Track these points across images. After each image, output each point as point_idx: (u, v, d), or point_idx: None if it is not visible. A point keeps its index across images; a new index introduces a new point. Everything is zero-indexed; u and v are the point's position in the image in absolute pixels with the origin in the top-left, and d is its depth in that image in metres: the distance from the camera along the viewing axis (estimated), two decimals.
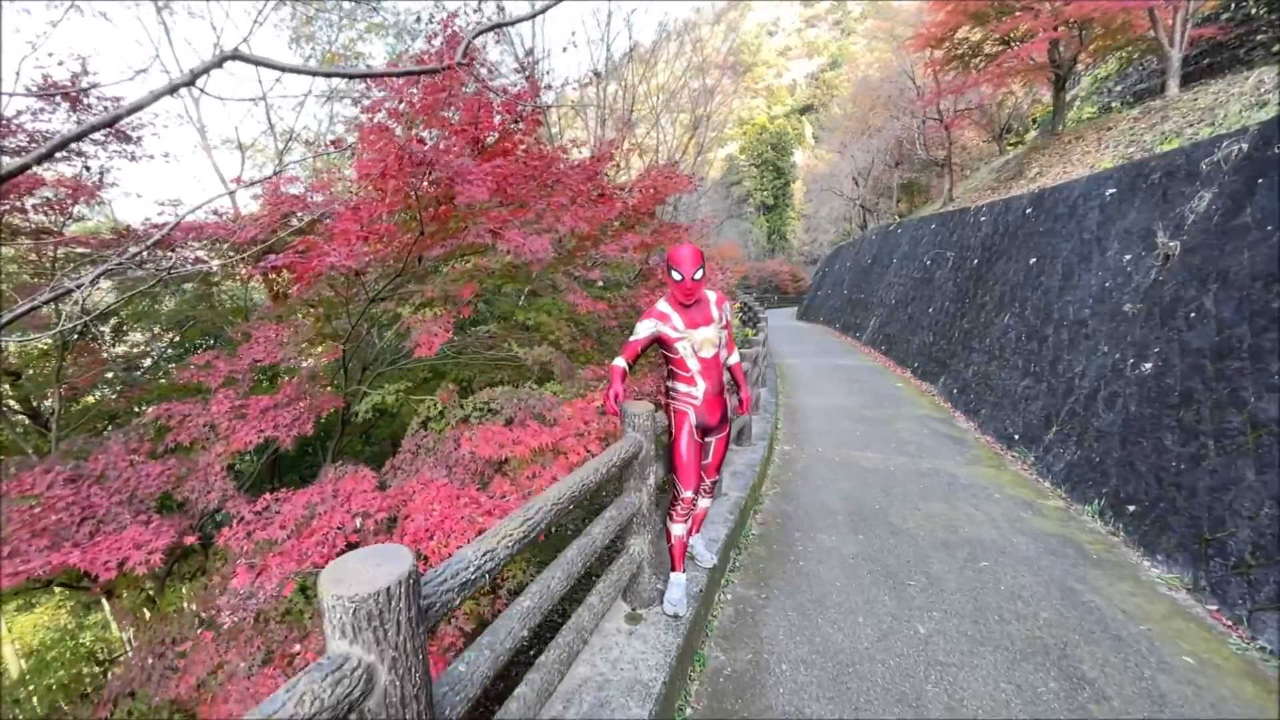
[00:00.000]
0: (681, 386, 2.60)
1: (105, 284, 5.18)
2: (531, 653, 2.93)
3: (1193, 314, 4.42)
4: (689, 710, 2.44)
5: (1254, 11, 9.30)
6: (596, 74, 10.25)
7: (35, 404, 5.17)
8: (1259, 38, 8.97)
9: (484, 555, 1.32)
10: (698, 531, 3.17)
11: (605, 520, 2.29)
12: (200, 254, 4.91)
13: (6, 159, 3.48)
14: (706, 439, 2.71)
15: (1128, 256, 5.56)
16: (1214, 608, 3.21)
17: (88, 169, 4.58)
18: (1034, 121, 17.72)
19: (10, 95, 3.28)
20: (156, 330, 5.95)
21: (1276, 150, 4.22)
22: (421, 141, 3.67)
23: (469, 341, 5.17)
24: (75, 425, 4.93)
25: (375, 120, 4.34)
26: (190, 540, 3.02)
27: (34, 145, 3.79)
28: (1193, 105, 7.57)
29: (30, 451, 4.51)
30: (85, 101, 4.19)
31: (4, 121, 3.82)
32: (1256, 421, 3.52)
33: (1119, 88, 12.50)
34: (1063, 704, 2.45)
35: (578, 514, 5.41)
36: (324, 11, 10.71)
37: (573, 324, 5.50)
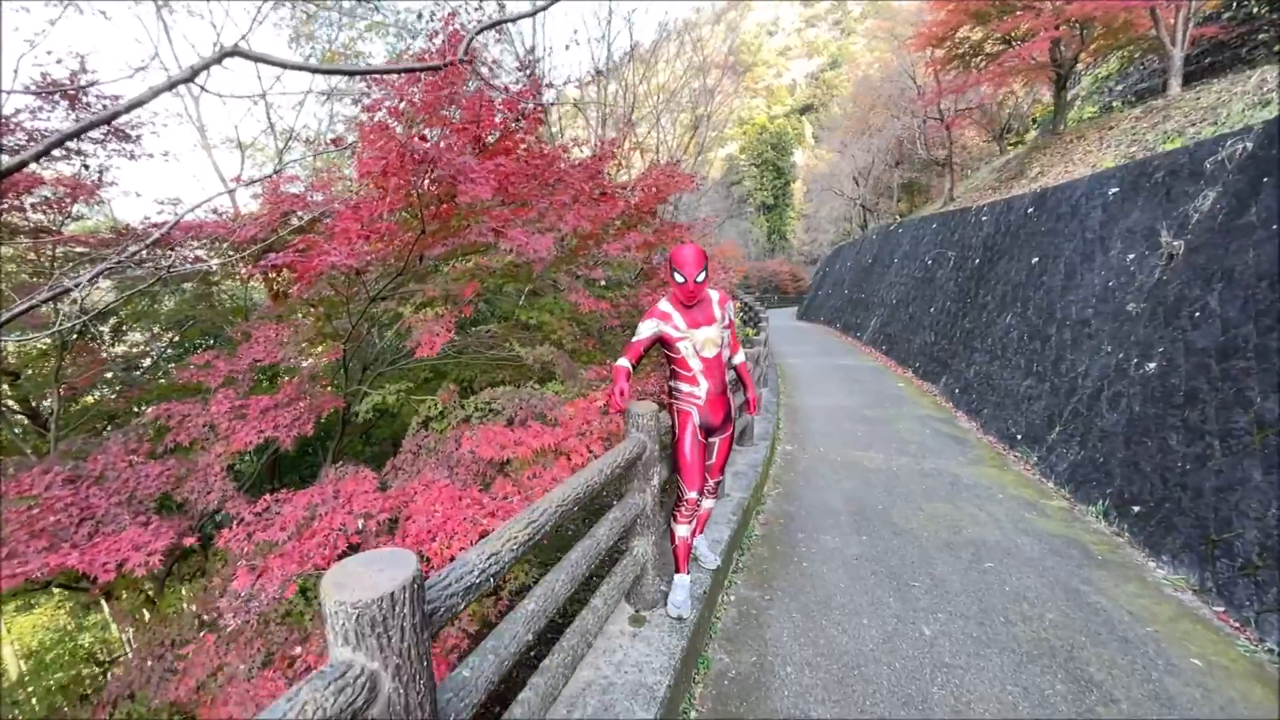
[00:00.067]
0: (684, 386, 2.58)
1: (105, 283, 5.16)
2: (533, 654, 2.91)
3: (1197, 313, 4.39)
4: (693, 713, 2.42)
5: (1255, 10, 9.28)
6: (599, 72, 10.22)
7: (34, 404, 5.14)
8: (1260, 36, 8.95)
9: (489, 559, 1.30)
10: (701, 533, 3.15)
11: (609, 522, 2.27)
12: (200, 253, 4.89)
13: (5, 157, 3.45)
14: (710, 439, 2.69)
15: (1131, 256, 5.54)
16: (1221, 609, 3.19)
17: (86, 168, 4.55)
18: (1034, 121, 17.70)
19: (9, 93, 3.26)
20: (156, 330, 5.92)
21: None
22: (423, 139, 3.64)
23: (470, 341, 5.15)
24: (74, 425, 4.91)
25: (376, 119, 4.32)
26: (189, 542, 3.00)
27: (32, 144, 3.76)
28: (1195, 104, 7.55)
29: (29, 452, 4.49)
30: (84, 100, 4.16)
31: (2, 120, 3.79)
32: (1263, 421, 3.50)
33: (1120, 87, 12.48)
34: (1070, 706, 2.43)
35: (578, 515, 5.38)
36: (325, 8, 10.69)
37: (575, 323, 5.48)
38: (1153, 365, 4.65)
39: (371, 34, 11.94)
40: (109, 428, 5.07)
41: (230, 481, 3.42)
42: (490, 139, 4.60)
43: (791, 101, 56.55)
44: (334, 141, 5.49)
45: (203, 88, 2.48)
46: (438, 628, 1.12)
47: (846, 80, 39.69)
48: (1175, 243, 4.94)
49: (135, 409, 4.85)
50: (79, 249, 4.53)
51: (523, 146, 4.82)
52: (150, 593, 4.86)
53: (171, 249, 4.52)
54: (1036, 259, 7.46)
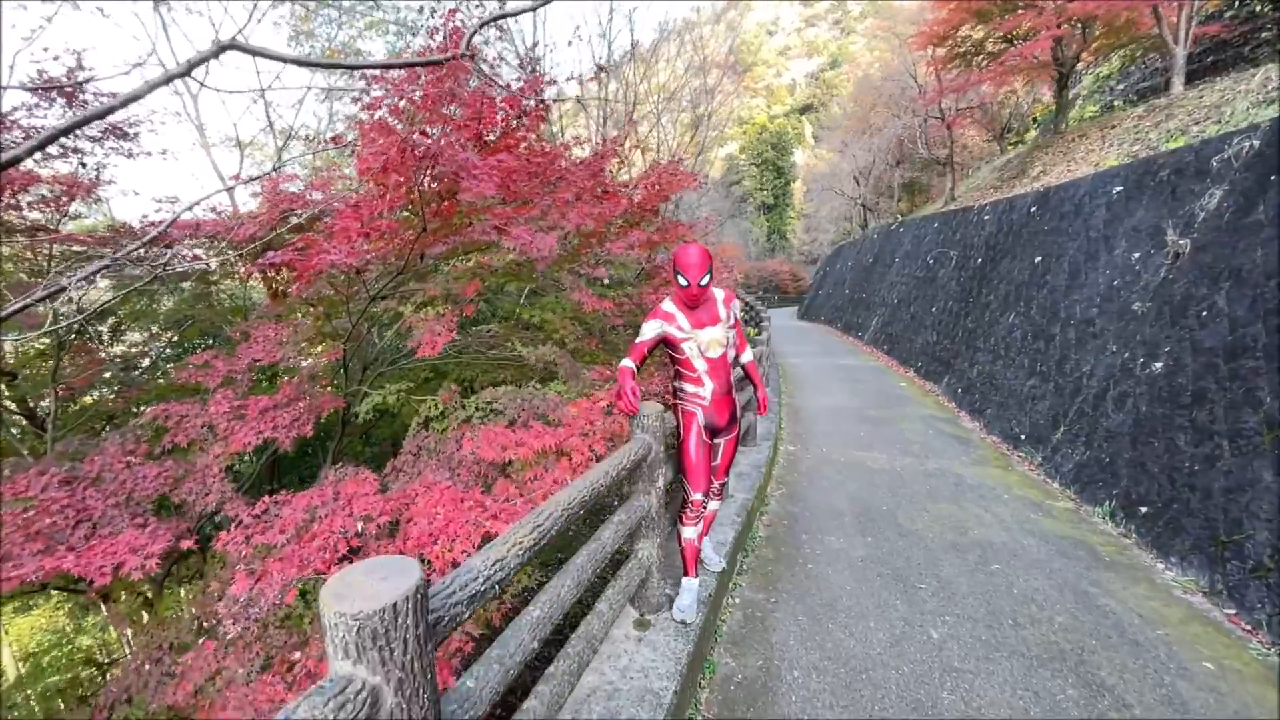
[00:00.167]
0: (689, 387, 2.54)
1: (103, 283, 5.11)
2: (536, 657, 2.87)
3: (1205, 312, 4.36)
4: (700, 719, 2.38)
5: (1258, 9, 9.25)
6: (602, 68, 10.17)
7: (32, 405, 5.10)
8: (1263, 35, 8.92)
9: (494, 565, 1.26)
10: (706, 534, 3.11)
11: (615, 524, 2.23)
12: (198, 252, 4.84)
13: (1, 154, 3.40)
14: (715, 440, 2.65)
15: (1136, 255, 5.50)
16: (1232, 612, 3.15)
17: (84, 165, 4.51)
18: (1034, 121, 17.67)
19: (5, 88, 3.21)
20: (154, 330, 5.88)
21: None
22: (425, 134, 3.60)
23: (471, 341, 5.10)
24: (72, 426, 4.86)
25: (376, 117, 4.27)
26: (187, 545, 2.96)
27: (29, 141, 3.71)
28: (1198, 103, 7.51)
29: (26, 453, 4.44)
30: (81, 97, 4.11)
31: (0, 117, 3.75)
32: (1273, 421, 3.47)
33: (1121, 86, 12.44)
34: (1083, 712, 2.40)
35: (580, 516, 5.34)
36: (326, 4, 10.64)
37: (577, 322, 5.44)
38: (1159, 365, 4.62)
39: (371, 32, 11.91)
40: (107, 428, 5.02)
41: (229, 483, 3.38)
42: (491, 137, 4.56)
43: (791, 101, 56.52)
44: (334, 140, 5.44)
45: (201, 83, 2.44)
46: (441, 638, 1.08)
47: (846, 80, 39.67)
48: (1181, 241, 4.90)
49: (134, 409, 4.80)
50: (77, 248, 4.49)
51: (524, 144, 4.78)
52: (149, 594, 4.82)
53: (169, 247, 4.48)
54: (1040, 258, 7.42)
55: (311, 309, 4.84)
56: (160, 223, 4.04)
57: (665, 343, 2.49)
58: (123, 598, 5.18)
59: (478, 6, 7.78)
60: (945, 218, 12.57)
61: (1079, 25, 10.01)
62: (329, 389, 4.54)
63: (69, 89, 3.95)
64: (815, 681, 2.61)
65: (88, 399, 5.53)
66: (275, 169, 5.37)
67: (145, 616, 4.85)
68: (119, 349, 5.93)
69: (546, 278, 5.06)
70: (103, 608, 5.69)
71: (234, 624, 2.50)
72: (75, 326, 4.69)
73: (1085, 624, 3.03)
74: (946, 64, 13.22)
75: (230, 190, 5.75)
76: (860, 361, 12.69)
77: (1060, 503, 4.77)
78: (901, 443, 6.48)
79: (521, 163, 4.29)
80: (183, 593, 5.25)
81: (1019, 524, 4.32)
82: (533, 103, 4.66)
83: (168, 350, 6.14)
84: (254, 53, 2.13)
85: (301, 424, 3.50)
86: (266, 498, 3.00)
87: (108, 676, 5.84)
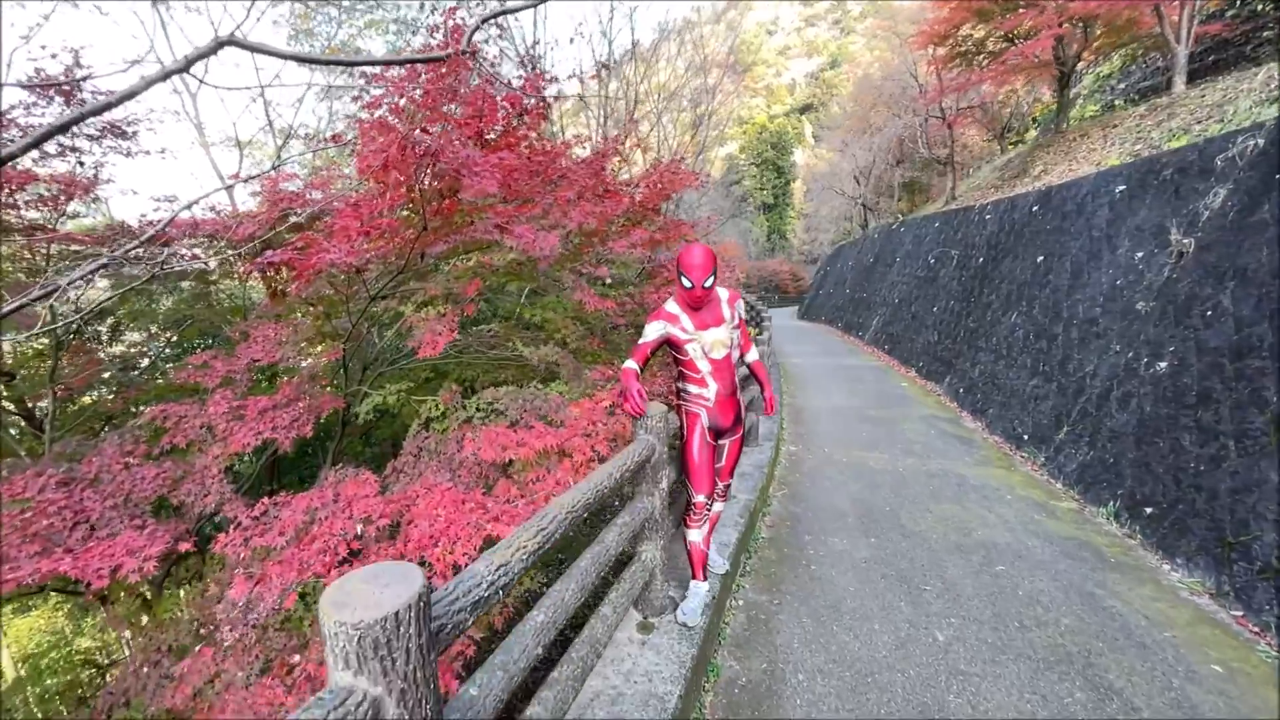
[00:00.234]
0: (693, 388, 2.52)
1: (102, 282, 5.08)
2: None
3: (1209, 312, 4.33)
4: None
5: (1259, 8, 9.23)
6: (605, 66, 10.14)
7: (30, 405, 5.07)
8: (1265, 34, 8.90)
9: (497, 570, 1.23)
10: (711, 536, 3.08)
11: (618, 527, 2.21)
12: (197, 251, 4.81)
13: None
14: (719, 441, 2.62)
15: (1139, 254, 5.47)
16: (1239, 613, 3.12)
17: (82, 164, 4.48)
18: (1034, 121, 17.64)
19: (3, 85, 3.18)
20: (153, 329, 5.84)
21: None
22: (426, 132, 3.57)
23: (472, 341, 5.07)
24: (70, 427, 4.83)
25: (376, 116, 4.25)
26: (185, 546, 2.93)
27: (25, 139, 3.68)
28: (1201, 102, 7.49)
29: (24, 454, 4.41)
30: (79, 95, 4.08)
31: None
32: None
33: (1122, 85, 12.42)
34: (1092, 715, 2.37)
35: (582, 519, 5.31)
36: (326, 2, 10.60)
37: (579, 322, 5.40)
38: (1164, 364, 4.59)
39: (371, 31, 11.86)
40: (106, 429, 4.99)
41: (228, 484, 3.35)
42: (492, 135, 4.53)
43: (791, 101, 56.50)
44: (333, 138, 5.41)
45: (200, 80, 2.41)
46: (445, 646, 1.05)
47: (846, 79, 39.64)
48: (1185, 240, 4.87)
49: (132, 410, 4.77)
50: (75, 247, 4.46)
51: (525, 143, 4.75)
52: (147, 595, 4.79)
53: (167, 246, 4.45)
54: (1042, 257, 7.40)
55: (311, 309, 4.80)
56: (158, 221, 4.01)
57: (669, 344, 2.47)
58: (121, 599, 5.15)
59: (477, 4, 7.76)
60: (946, 217, 12.54)
61: (1080, 24, 9.98)
62: (329, 389, 4.51)
63: (67, 87, 3.92)
64: (820, 685, 2.58)
65: (86, 399, 5.50)
66: (274, 167, 5.34)
67: (144, 618, 4.82)
68: (117, 349, 5.90)
69: (548, 277, 5.03)
70: (101, 609, 5.66)
71: (231, 630, 2.47)
72: (74, 326, 4.67)
73: (1092, 626, 3.00)
74: (947, 63, 13.20)
75: (229, 189, 5.72)
76: (861, 361, 12.67)
77: (1064, 503, 4.75)
78: (904, 443, 6.45)
79: (523, 161, 4.26)
80: (182, 594, 5.22)
81: (1023, 525, 4.29)
82: (534, 101, 4.63)
83: (166, 350, 6.11)
84: (253, 49, 2.10)
85: (301, 424, 3.47)
86: (266, 499, 2.97)
87: (107, 678, 5.81)
